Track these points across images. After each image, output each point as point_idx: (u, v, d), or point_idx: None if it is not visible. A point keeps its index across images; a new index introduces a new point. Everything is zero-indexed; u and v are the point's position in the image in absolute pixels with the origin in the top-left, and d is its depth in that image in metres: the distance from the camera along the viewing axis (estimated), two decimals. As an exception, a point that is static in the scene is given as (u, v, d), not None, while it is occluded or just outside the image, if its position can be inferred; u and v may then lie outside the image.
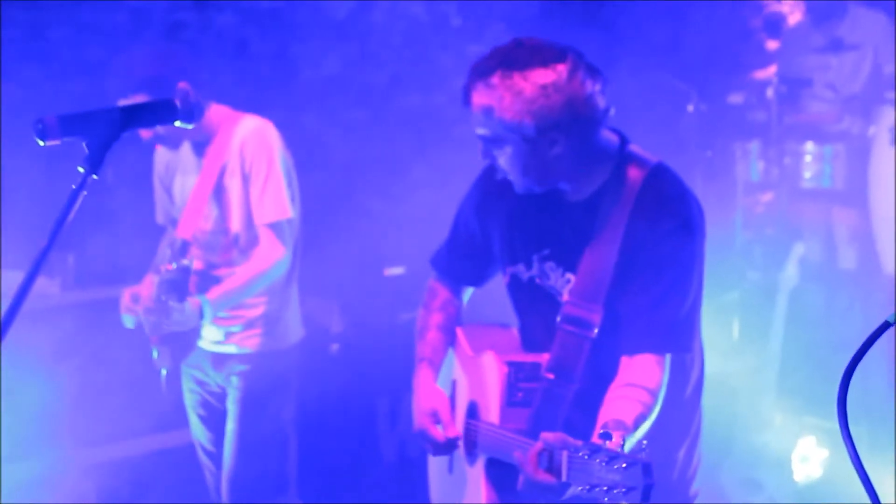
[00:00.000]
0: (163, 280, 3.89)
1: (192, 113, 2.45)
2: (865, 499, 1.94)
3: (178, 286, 3.91)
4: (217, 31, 5.84)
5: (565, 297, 2.93)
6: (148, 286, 3.98)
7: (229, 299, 4.05)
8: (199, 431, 4.37)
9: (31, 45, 5.29)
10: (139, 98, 3.81)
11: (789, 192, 6.59)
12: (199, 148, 4.12)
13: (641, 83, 6.72)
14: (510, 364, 2.93)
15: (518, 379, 2.92)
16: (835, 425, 1.86)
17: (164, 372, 4.23)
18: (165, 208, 4.32)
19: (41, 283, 4.89)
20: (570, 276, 2.94)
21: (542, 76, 2.74)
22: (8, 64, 5.20)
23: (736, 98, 6.84)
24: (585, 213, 2.92)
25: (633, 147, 2.97)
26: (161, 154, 4.26)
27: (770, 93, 6.58)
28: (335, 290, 5.88)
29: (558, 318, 2.90)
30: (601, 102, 2.81)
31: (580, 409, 2.84)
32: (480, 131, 2.83)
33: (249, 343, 4.19)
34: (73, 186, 2.26)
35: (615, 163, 2.91)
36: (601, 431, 2.44)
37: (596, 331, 2.86)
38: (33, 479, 4.79)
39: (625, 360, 2.83)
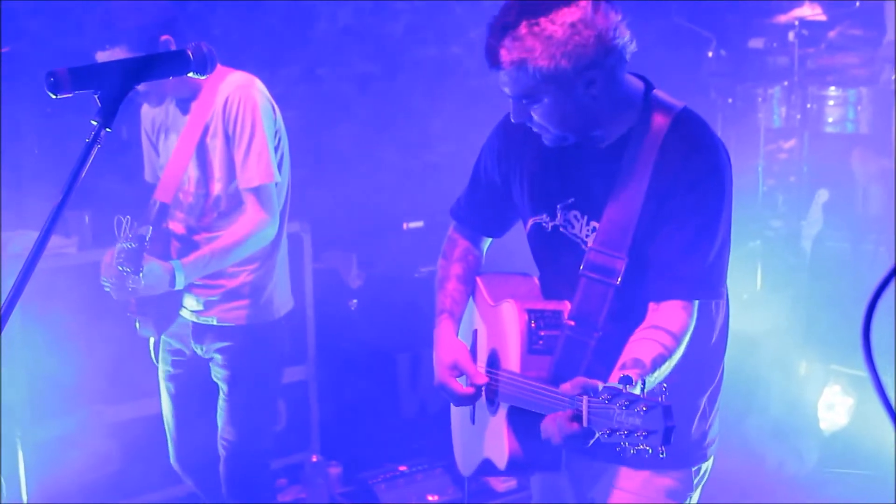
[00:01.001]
0: (120, 248, 3.75)
1: (206, 64, 2.40)
2: (891, 446, 1.89)
3: (134, 255, 3.75)
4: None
5: (590, 244, 2.88)
6: (110, 253, 3.85)
7: (205, 265, 3.88)
8: (165, 405, 4.22)
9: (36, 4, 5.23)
10: (118, 51, 3.71)
11: (812, 137, 6.51)
12: (184, 105, 3.95)
13: (660, 29, 6.64)
14: (530, 311, 2.91)
15: (539, 326, 2.89)
16: (860, 373, 1.81)
17: (151, 341, 4.18)
18: (153, 166, 4.17)
19: (59, 242, 4.86)
20: (594, 223, 2.90)
21: (569, 15, 2.67)
22: (17, 19, 5.15)
23: (757, 43, 6.74)
24: (610, 161, 2.86)
25: (659, 92, 2.91)
26: (147, 110, 4.09)
27: (792, 36, 6.49)
28: (354, 245, 5.84)
29: (581, 266, 2.86)
30: (627, 32, 2.75)
31: (603, 357, 2.79)
32: (513, 89, 2.74)
33: (231, 316, 4.03)
34: (87, 140, 2.21)
35: (640, 108, 2.85)
36: (620, 375, 2.41)
37: (620, 278, 2.82)
38: (57, 438, 4.80)
39: (652, 307, 2.81)
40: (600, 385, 2.40)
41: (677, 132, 2.82)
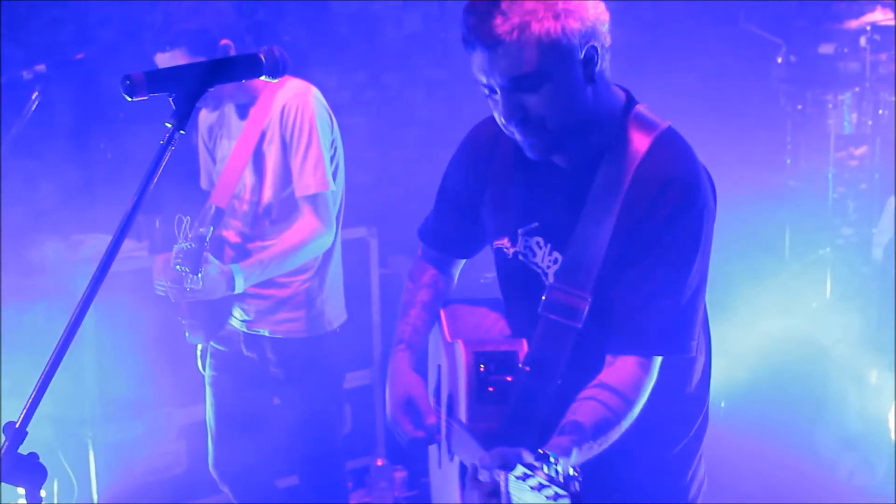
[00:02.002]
0: (179, 249, 3.75)
1: (278, 67, 2.41)
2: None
3: (193, 255, 3.74)
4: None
5: (551, 279, 2.59)
6: (161, 257, 3.88)
7: (263, 270, 3.86)
8: (209, 411, 4.23)
9: (110, 7, 5.31)
10: (178, 53, 3.72)
11: (883, 144, 6.41)
12: (242, 110, 3.97)
13: (729, 35, 6.58)
14: (479, 354, 2.60)
15: (489, 371, 2.58)
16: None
17: (199, 348, 4.20)
18: (209, 173, 4.19)
19: (130, 245, 4.92)
20: (557, 254, 2.60)
21: None
22: (88, 27, 5.24)
23: (827, 48, 6.65)
24: (580, 183, 2.54)
25: (642, 107, 2.59)
26: (204, 117, 4.12)
27: (863, 42, 6.39)
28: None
29: (540, 307, 2.55)
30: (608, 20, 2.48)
31: (562, 409, 2.46)
32: (510, 71, 2.37)
33: (282, 329, 4.03)
34: (161, 142, 2.24)
35: (618, 124, 2.54)
36: (540, 452, 2.08)
37: (582, 321, 2.50)
38: (127, 440, 4.85)
39: (607, 359, 2.50)
40: (525, 457, 2.07)
41: (654, 158, 2.50)
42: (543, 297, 2.56)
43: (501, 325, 2.81)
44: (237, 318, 4.06)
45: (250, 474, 4.22)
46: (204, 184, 4.23)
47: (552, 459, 2.03)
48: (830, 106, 6.53)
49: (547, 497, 1.99)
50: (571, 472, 2.01)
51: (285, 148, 3.88)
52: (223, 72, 2.35)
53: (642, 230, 2.48)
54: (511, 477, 2.06)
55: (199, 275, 3.73)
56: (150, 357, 4.74)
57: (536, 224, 2.64)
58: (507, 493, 2.10)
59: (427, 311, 2.96)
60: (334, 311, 4.11)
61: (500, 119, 2.48)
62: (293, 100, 3.86)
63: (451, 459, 2.78)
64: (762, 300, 5.84)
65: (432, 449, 3.04)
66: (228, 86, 3.61)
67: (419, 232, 3.04)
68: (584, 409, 2.42)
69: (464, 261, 3.04)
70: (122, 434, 4.85)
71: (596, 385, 2.46)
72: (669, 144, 2.55)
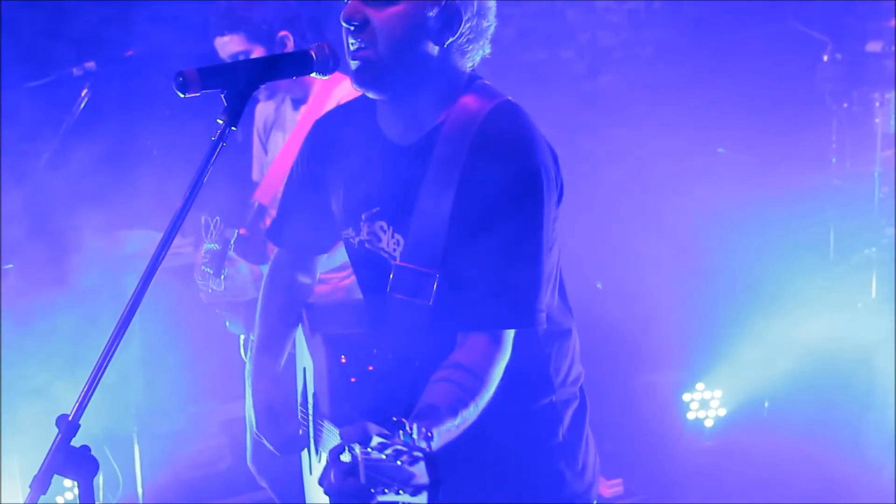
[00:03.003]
0: (206, 249, 3.79)
1: (328, 65, 2.43)
2: None
3: (217, 257, 3.78)
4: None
5: (397, 260, 2.53)
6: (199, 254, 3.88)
7: None
8: (248, 403, 4.25)
9: (159, 6, 5.34)
10: (236, 38, 3.76)
11: (931, 143, 6.34)
12: (297, 104, 4.00)
13: (774, 32, 6.53)
14: (336, 342, 2.57)
15: (350, 361, 2.55)
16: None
17: (241, 338, 4.23)
18: (261, 164, 4.21)
19: (176, 241, 4.94)
20: (399, 237, 2.55)
21: None
22: (137, 24, 5.27)
23: (874, 46, 6.58)
24: (417, 161, 2.52)
25: (485, 81, 2.59)
26: (260, 109, 4.14)
27: (911, 39, 6.33)
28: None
29: (388, 286, 2.50)
30: (492, 25, 2.54)
31: (423, 391, 2.40)
32: None
33: None
34: (213, 138, 2.25)
35: (458, 96, 2.53)
36: (394, 420, 2.01)
37: (431, 298, 2.45)
38: (171, 433, 4.90)
39: (459, 338, 2.45)
40: (378, 428, 1.99)
41: (491, 127, 2.48)
42: (391, 277, 2.51)
43: (360, 318, 2.74)
44: None
45: (288, 469, 4.24)
46: (255, 175, 4.28)
47: (407, 428, 1.98)
48: (877, 104, 6.46)
49: (402, 462, 1.94)
50: (424, 433, 1.99)
51: None
52: (274, 68, 2.37)
53: (479, 199, 2.44)
54: (369, 450, 1.98)
55: (222, 276, 3.75)
56: (194, 351, 4.78)
57: (378, 208, 2.60)
58: (366, 467, 1.99)
59: (285, 314, 2.90)
60: None
61: (342, 25, 2.51)
62: (346, 99, 3.86)
63: (320, 460, 2.73)
64: (807, 300, 5.79)
65: (303, 455, 2.97)
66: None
67: (267, 233, 2.99)
68: (437, 391, 2.36)
69: (323, 257, 2.97)
70: (166, 428, 4.89)
71: (448, 365, 2.41)
72: (505, 113, 2.53)
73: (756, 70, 6.44)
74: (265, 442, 2.80)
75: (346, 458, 2.05)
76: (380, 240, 2.60)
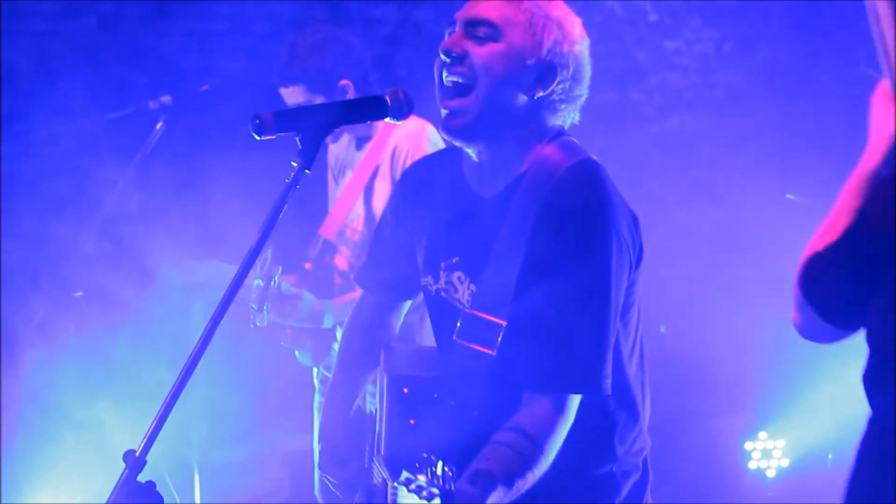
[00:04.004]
0: (255, 285, 3.86)
1: (402, 110, 2.45)
2: None
3: (260, 294, 3.84)
4: (414, 25, 5.86)
5: (467, 308, 2.55)
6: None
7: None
8: (315, 435, 4.21)
9: (235, 38, 5.43)
10: (297, 90, 3.82)
11: None
12: (361, 143, 4.05)
13: (845, 77, 6.47)
14: (400, 380, 2.59)
15: (411, 403, 2.56)
16: None
17: (314, 370, 4.26)
18: (334, 199, 4.26)
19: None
20: (473, 286, 2.56)
21: (574, 18, 2.59)
22: (214, 56, 5.35)
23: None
24: (496, 213, 2.55)
25: (569, 138, 2.62)
26: (332, 146, 4.20)
27: None
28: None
29: (455, 332, 2.52)
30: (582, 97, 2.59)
31: (479, 440, 2.43)
32: (481, 10, 2.52)
33: None
34: (287, 180, 2.28)
35: (540, 150, 2.56)
36: (423, 457, 2.12)
37: (496, 348, 2.46)
38: (231, 464, 4.92)
39: (524, 397, 2.45)
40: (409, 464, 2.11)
41: (565, 184, 2.49)
42: (458, 324, 2.53)
43: (432, 363, 2.76)
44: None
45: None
46: (331, 207, 4.31)
47: (434, 467, 2.08)
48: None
49: (421, 497, 2.04)
50: (447, 472, 2.07)
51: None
52: (349, 113, 2.40)
53: (548, 254, 2.45)
54: (396, 484, 2.11)
55: (264, 312, 3.81)
56: (257, 383, 4.80)
57: (457, 259, 2.63)
58: (393, 496, 2.14)
59: (362, 356, 2.93)
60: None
61: (439, 57, 2.54)
62: (405, 141, 3.92)
63: None
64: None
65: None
66: None
67: (355, 277, 3.03)
68: (496, 455, 2.38)
69: (407, 303, 3.00)
70: (227, 459, 4.91)
71: (510, 429, 2.42)
72: (584, 171, 2.53)
73: (826, 115, 6.38)
74: (327, 481, 2.83)
75: (376, 479, 2.14)
76: (456, 290, 2.63)
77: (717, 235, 5.82)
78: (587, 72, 2.60)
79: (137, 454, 2.19)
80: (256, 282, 3.85)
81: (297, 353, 4.15)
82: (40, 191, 5.02)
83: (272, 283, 3.87)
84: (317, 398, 4.28)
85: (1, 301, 4.86)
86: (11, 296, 4.87)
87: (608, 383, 2.47)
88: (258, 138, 2.33)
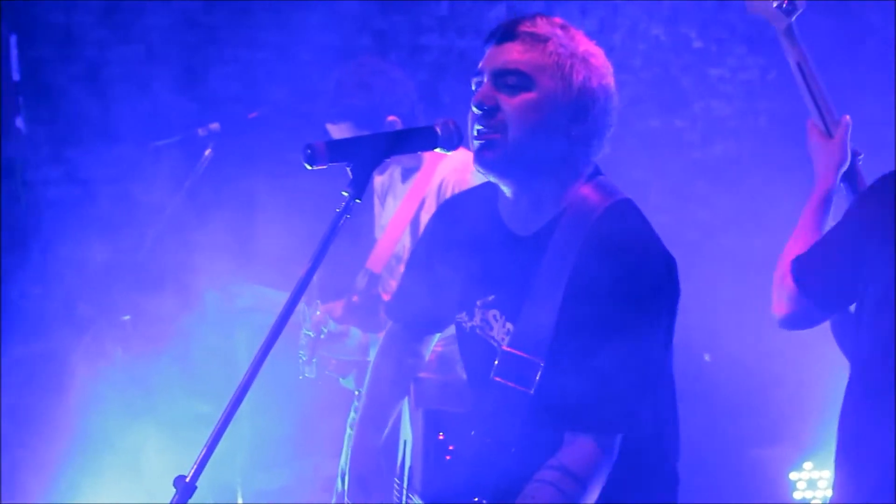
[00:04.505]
0: (303, 333, 3.92)
1: (453, 140, 2.47)
2: None
3: (310, 344, 3.93)
4: (459, 53, 5.90)
5: (504, 347, 2.55)
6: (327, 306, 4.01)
7: None
8: (344, 451, 4.24)
9: (281, 66, 5.48)
10: (344, 126, 3.82)
11: None
12: (407, 174, 4.06)
13: (888, 106, 6.44)
14: (434, 415, 2.61)
15: (447, 439, 2.58)
16: None
17: (357, 393, 4.28)
18: (380, 226, 4.29)
19: (283, 299, 5.02)
20: (510, 325, 2.56)
21: (597, 49, 2.57)
22: (260, 84, 5.41)
23: None
24: (534, 250, 2.54)
25: (605, 178, 2.62)
26: (377, 176, 4.22)
27: None
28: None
29: (492, 371, 2.53)
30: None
31: (517, 479, 2.45)
32: (510, 60, 2.50)
33: None
34: (337, 210, 2.30)
35: (577, 189, 2.56)
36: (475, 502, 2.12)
37: (534, 387, 2.46)
38: (274, 489, 4.93)
39: (566, 436, 2.47)
40: None
41: (604, 225, 2.50)
42: (496, 362, 2.53)
43: (464, 398, 2.76)
44: None
45: None
46: (378, 235, 4.34)
47: None
48: None
49: None
50: None
51: None
52: (400, 143, 2.42)
53: (587, 295, 2.45)
54: None
55: (313, 363, 3.89)
56: (301, 407, 4.82)
57: (493, 297, 2.62)
58: None
59: (392, 386, 2.91)
60: None
61: (471, 110, 2.54)
62: (451, 174, 3.92)
63: None
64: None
65: None
66: None
67: (386, 310, 3.03)
68: (541, 494, 2.39)
69: (436, 336, 3.00)
70: (270, 483, 4.93)
71: (554, 467, 2.43)
72: (621, 212, 2.54)
73: (870, 142, 6.34)
74: None
75: None
76: (491, 328, 2.63)
77: (761, 262, 5.77)
78: (615, 101, 2.60)
79: (188, 480, 2.21)
80: (305, 332, 3.89)
81: (341, 379, 4.18)
82: (89, 215, 5.08)
83: (321, 335, 3.90)
84: (352, 415, 4.31)
85: (51, 324, 4.92)
86: (61, 319, 4.93)
87: (647, 421, 2.51)
88: (309, 168, 2.35)
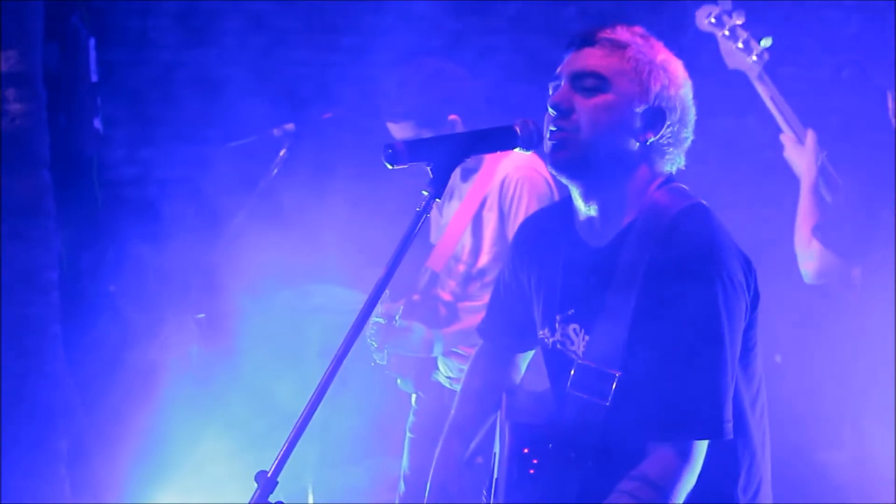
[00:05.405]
0: (373, 322, 3.96)
1: (532, 140, 2.48)
2: None
3: (380, 332, 3.97)
4: (529, 54, 5.90)
5: (580, 359, 2.56)
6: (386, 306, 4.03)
7: (465, 337, 3.95)
8: (405, 455, 4.33)
9: (353, 68, 5.52)
10: (406, 125, 3.85)
11: None
12: (467, 174, 4.07)
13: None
14: (520, 428, 2.59)
15: (530, 452, 2.55)
16: None
17: (413, 397, 4.30)
18: (437, 227, 4.31)
19: (355, 297, 5.05)
20: (587, 336, 2.57)
21: (676, 60, 2.60)
22: (333, 86, 5.45)
23: None
24: (609, 260, 2.54)
25: (679, 185, 2.62)
26: None
27: None
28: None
29: (569, 383, 2.52)
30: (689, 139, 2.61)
31: (594, 492, 2.44)
32: (588, 63, 2.52)
33: None
34: (418, 209, 2.32)
35: (651, 195, 2.56)
36: None
37: (609, 398, 2.45)
38: (345, 487, 4.96)
39: (648, 447, 2.44)
40: None
41: (676, 229, 2.49)
42: (571, 373, 2.53)
43: (549, 411, 2.74)
44: (442, 374, 4.17)
45: None
46: (433, 238, 4.36)
47: None
48: None
49: None
50: None
51: (502, 218, 3.96)
52: (480, 143, 2.44)
53: (659, 300, 2.44)
54: None
55: (385, 351, 3.93)
56: (372, 405, 4.85)
57: (573, 311, 2.63)
58: None
59: (480, 400, 2.92)
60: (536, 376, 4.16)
61: (547, 112, 2.55)
62: (515, 172, 3.94)
63: None
64: None
65: None
66: None
67: (477, 329, 3.05)
68: (615, 501, 2.39)
69: (529, 354, 2.99)
70: (341, 480, 4.96)
71: (634, 478, 2.41)
72: (694, 215, 2.53)
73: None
74: None
75: None
76: (572, 342, 2.63)
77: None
78: (692, 114, 2.61)
79: (269, 475, 2.24)
80: (377, 320, 3.92)
81: (398, 380, 4.21)
82: (164, 214, 5.16)
83: (394, 322, 3.93)
84: (410, 418, 4.33)
85: (126, 323, 4.99)
86: (136, 317, 5.00)
87: (729, 427, 2.44)
88: (390, 167, 2.37)
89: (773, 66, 6.32)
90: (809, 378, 5.42)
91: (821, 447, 5.59)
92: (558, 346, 2.66)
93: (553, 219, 2.76)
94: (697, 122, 2.65)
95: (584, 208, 2.60)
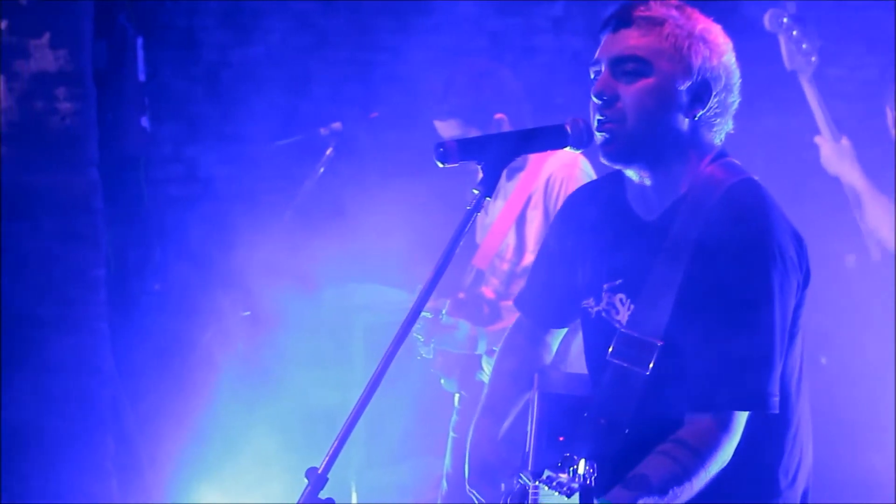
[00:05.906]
0: (423, 318, 3.95)
1: (583, 139, 2.48)
2: None
3: (427, 326, 3.98)
4: (572, 54, 5.90)
5: (623, 328, 2.55)
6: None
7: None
8: (448, 454, 4.33)
9: (397, 67, 5.54)
10: (453, 123, 3.89)
11: None
12: (512, 173, 4.07)
13: None
14: (549, 398, 2.59)
15: (561, 421, 2.53)
16: None
17: (456, 397, 4.31)
18: (482, 225, 4.31)
19: (401, 297, 5.07)
20: (632, 306, 2.56)
21: (714, 26, 2.55)
22: (376, 85, 5.47)
23: None
24: (657, 235, 2.53)
25: (730, 159, 2.59)
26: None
27: None
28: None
29: (610, 350, 2.53)
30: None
31: (629, 459, 2.41)
32: (626, 47, 2.49)
33: None
34: (468, 207, 2.32)
35: (702, 170, 2.54)
36: (566, 456, 2.21)
37: (649, 368, 2.45)
38: (389, 485, 4.97)
39: (686, 417, 2.43)
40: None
41: (727, 203, 2.48)
42: (613, 343, 2.53)
43: (582, 384, 2.74)
44: (486, 373, 4.17)
45: None
46: (478, 237, 4.37)
47: (575, 465, 2.19)
48: None
49: (561, 492, 2.15)
50: (588, 470, 2.17)
51: (547, 217, 3.98)
52: (530, 142, 2.44)
53: (708, 272, 2.43)
54: (538, 483, 2.22)
55: (431, 345, 3.95)
56: (416, 405, 4.86)
57: (620, 281, 2.61)
58: (534, 496, 2.29)
59: (514, 378, 2.87)
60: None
61: (591, 100, 2.53)
62: (559, 171, 3.96)
63: None
64: None
65: None
66: None
67: (515, 302, 3.00)
68: (653, 462, 2.37)
69: (562, 331, 2.96)
70: (384, 480, 4.97)
71: (671, 440, 2.40)
72: (746, 189, 2.51)
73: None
74: (474, 497, 2.79)
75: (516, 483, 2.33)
76: (617, 311, 2.62)
77: (880, 263, 5.68)
78: (737, 77, 2.57)
79: (320, 471, 2.25)
80: (424, 314, 3.93)
81: (442, 380, 4.22)
82: (209, 213, 5.19)
83: (441, 316, 3.95)
84: (454, 418, 4.34)
85: (173, 320, 5.03)
86: (182, 314, 5.04)
87: (775, 401, 2.42)
88: (441, 166, 2.38)
89: (819, 66, 6.29)
90: (855, 380, 5.39)
91: (866, 450, 5.56)
92: (603, 314, 2.65)
93: (604, 190, 2.75)
94: (740, 122, 2.64)
95: (638, 179, 2.60)
